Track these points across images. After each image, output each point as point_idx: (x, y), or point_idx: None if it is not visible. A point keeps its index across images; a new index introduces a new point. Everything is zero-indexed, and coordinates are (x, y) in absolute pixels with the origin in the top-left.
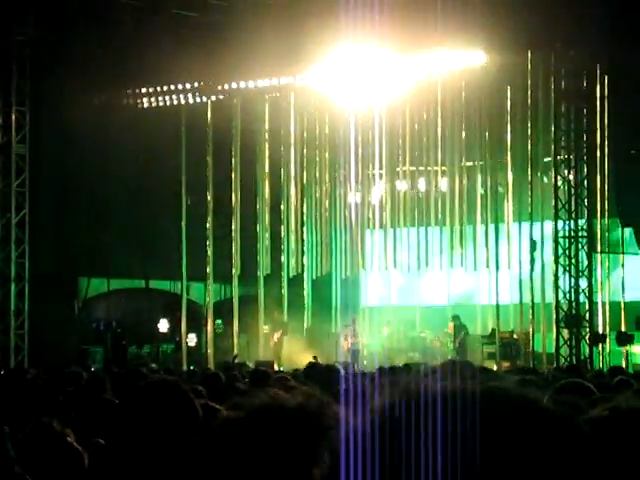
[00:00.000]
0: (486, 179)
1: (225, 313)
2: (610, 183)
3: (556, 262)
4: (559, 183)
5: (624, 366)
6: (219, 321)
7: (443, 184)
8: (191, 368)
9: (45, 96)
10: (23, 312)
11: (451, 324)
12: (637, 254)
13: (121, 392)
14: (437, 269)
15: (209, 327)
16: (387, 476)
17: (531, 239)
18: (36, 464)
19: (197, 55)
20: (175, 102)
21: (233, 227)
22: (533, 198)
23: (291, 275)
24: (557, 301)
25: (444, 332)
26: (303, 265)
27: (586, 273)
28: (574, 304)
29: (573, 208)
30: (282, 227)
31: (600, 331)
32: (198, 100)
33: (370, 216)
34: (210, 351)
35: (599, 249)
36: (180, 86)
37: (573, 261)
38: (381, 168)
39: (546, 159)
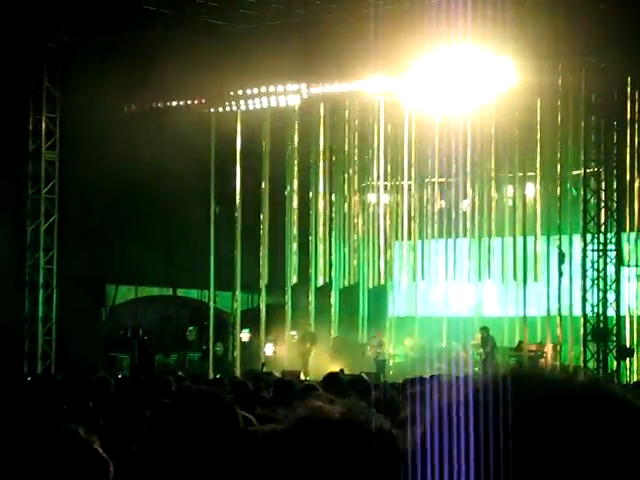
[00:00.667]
0: (515, 191)
1: (252, 322)
2: (639, 196)
3: (584, 275)
4: (588, 196)
5: None
6: (246, 330)
7: (472, 196)
8: (217, 377)
9: (75, 103)
10: (51, 318)
11: (478, 335)
12: None
13: (148, 400)
14: (465, 281)
15: (236, 336)
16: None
17: (560, 252)
18: (61, 471)
19: (227, 64)
20: (204, 108)
21: (261, 236)
22: (562, 211)
23: (318, 285)
24: (585, 314)
25: (471, 343)
26: (331, 275)
27: (614, 287)
28: (602, 317)
29: (602, 221)
30: (310, 237)
31: (627, 345)
32: (228, 109)
33: (399, 227)
34: (237, 360)
35: (628, 262)
36: (210, 95)
37: (601, 274)
38: (410, 179)
39: (575, 172)
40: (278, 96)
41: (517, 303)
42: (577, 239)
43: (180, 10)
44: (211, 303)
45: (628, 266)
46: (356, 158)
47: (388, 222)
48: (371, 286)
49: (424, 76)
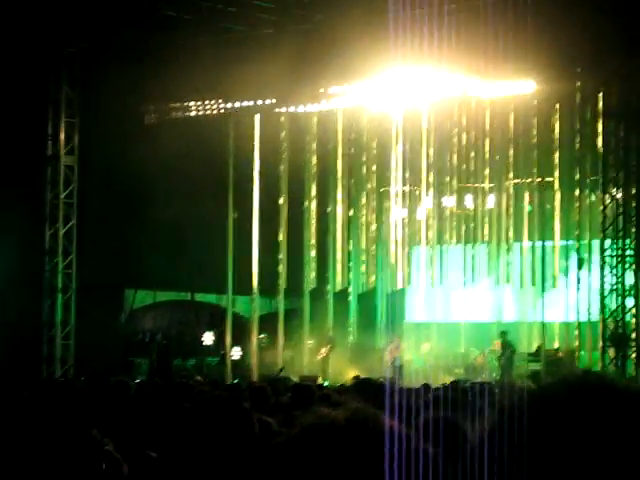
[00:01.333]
0: (533, 197)
1: (270, 327)
2: None
3: (602, 281)
4: (607, 201)
5: None
6: (264, 334)
7: (490, 201)
8: (235, 381)
9: (94, 108)
10: (69, 323)
11: (498, 341)
12: None
13: (167, 404)
14: (483, 286)
15: (254, 340)
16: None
17: (578, 257)
18: (72, 471)
19: (245, 68)
20: (223, 114)
21: (280, 241)
22: (580, 216)
23: (337, 290)
24: (603, 320)
25: (490, 349)
26: (349, 280)
27: (633, 292)
28: (620, 323)
29: (621, 227)
30: (328, 242)
31: None
32: (246, 113)
33: (416, 232)
34: (255, 364)
35: None
36: (228, 98)
37: (620, 280)
38: (428, 184)
39: (594, 177)
40: (297, 104)
41: (535, 308)
42: (596, 245)
43: (198, 15)
44: (229, 307)
45: None
46: (374, 163)
47: (406, 227)
48: (389, 291)
49: (443, 84)
